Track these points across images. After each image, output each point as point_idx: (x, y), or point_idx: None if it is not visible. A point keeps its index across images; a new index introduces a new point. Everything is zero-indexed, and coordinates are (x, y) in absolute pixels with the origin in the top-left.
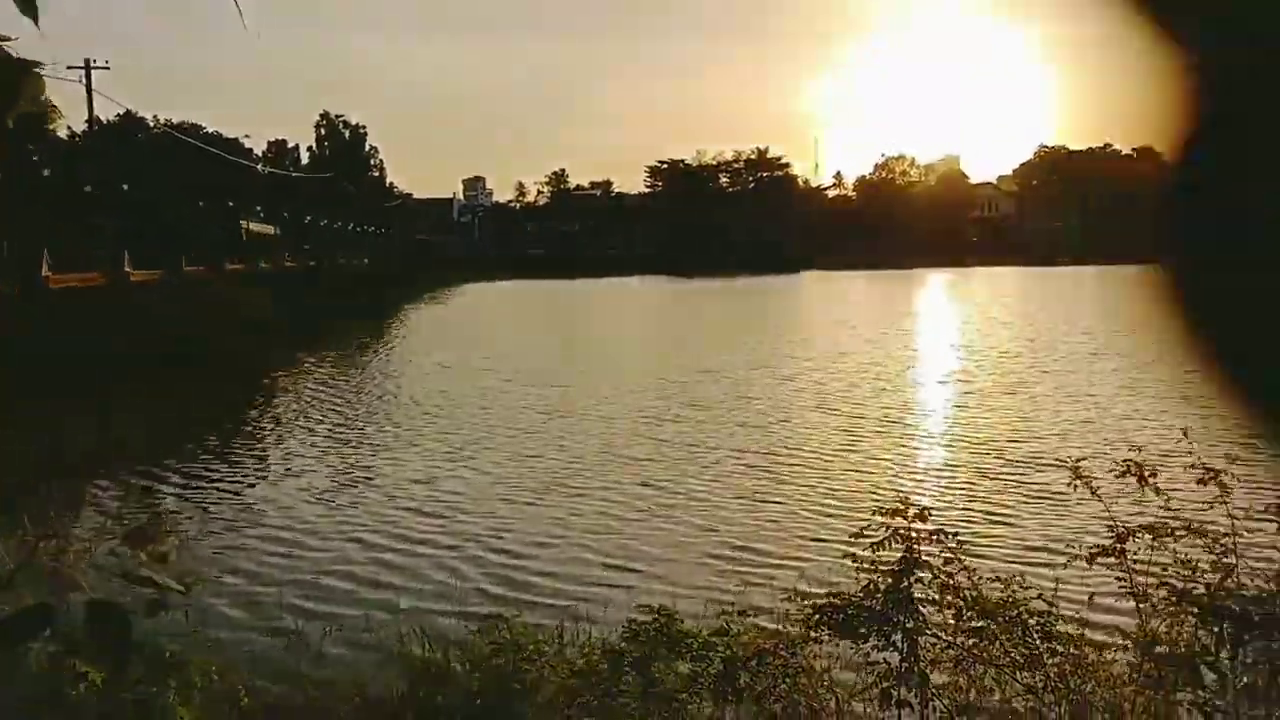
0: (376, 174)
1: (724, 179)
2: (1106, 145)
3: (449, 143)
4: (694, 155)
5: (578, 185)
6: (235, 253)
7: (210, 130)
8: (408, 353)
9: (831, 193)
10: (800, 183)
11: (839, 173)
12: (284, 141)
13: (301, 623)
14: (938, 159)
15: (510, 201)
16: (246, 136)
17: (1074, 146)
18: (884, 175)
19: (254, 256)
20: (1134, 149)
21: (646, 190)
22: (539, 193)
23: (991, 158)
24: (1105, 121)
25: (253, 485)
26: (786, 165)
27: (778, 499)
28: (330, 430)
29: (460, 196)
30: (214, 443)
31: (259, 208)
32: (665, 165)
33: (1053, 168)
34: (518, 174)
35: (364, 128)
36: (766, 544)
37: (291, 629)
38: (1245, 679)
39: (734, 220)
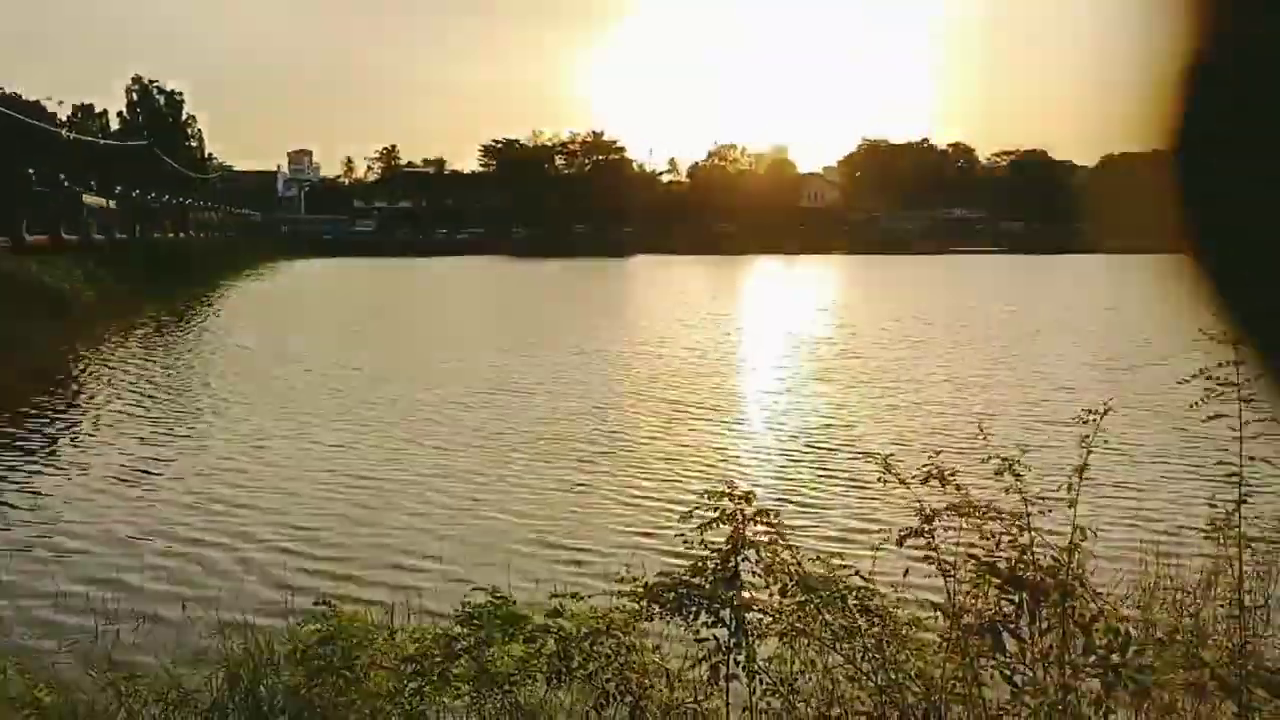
0: (194, 144)
1: (559, 160)
2: (924, 140)
3: (273, 115)
4: (529, 136)
5: (409, 162)
6: (74, 228)
7: (8, 92)
8: (218, 332)
9: (665, 178)
10: (635, 167)
11: (673, 159)
12: (91, 107)
13: (108, 620)
14: (767, 148)
15: (338, 177)
16: (48, 99)
17: (895, 140)
18: (716, 163)
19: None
20: (950, 145)
21: (481, 169)
22: (369, 169)
23: (818, 148)
24: (922, 117)
25: (44, 475)
26: (622, 149)
27: (601, 484)
28: (130, 415)
29: (285, 170)
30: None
31: (63, 175)
32: (500, 145)
33: (875, 159)
34: (346, 149)
35: (180, 94)
36: (593, 529)
37: (98, 627)
38: (1042, 643)
39: (569, 203)
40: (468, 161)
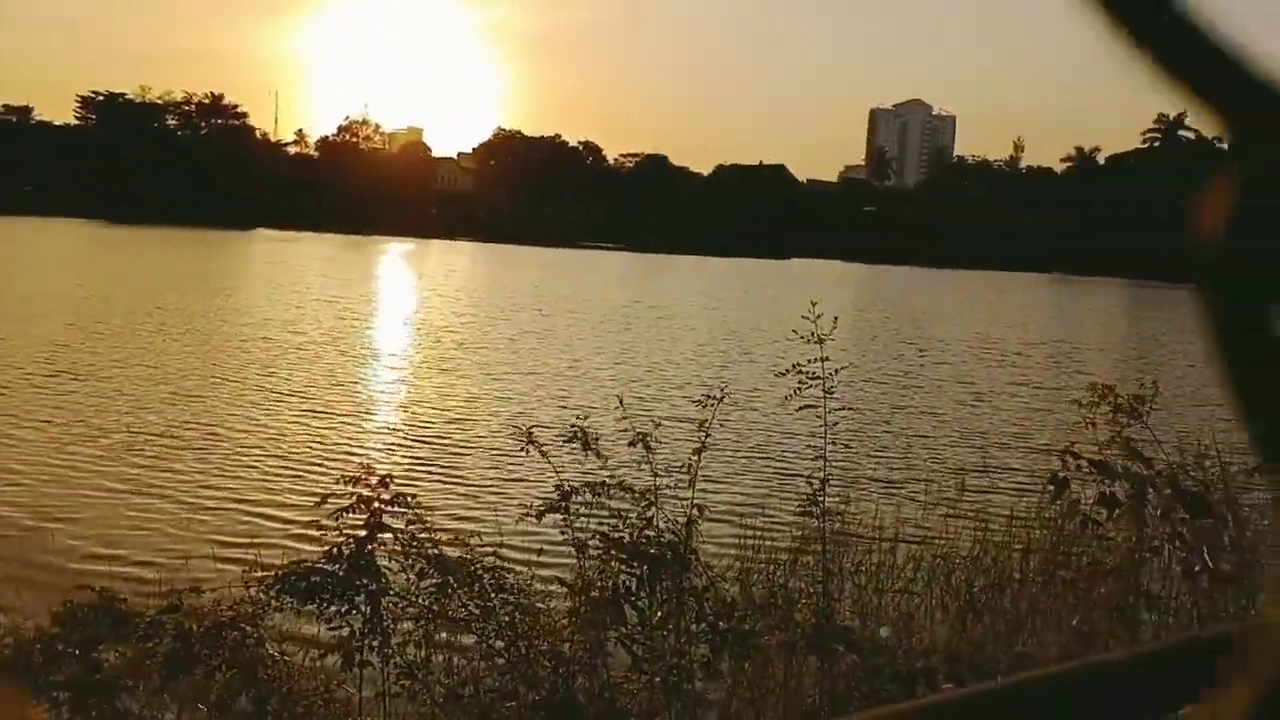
0: None
1: (172, 121)
2: (557, 135)
3: None
4: (137, 90)
5: None
6: None
7: None
8: None
9: (292, 150)
10: (258, 135)
11: (300, 130)
12: None
13: None
14: (402, 128)
15: None
16: None
17: (529, 133)
18: (347, 137)
19: None
20: (580, 142)
21: (77, 123)
22: None
23: (454, 134)
24: (554, 112)
25: None
26: (244, 115)
27: (195, 479)
28: None
29: None
30: None
31: None
32: (101, 97)
33: (509, 150)
34: None
35: None
36: (194, 524)
37: None
38: (660, 613)
39: (181, 167)
40: (61, 113)
